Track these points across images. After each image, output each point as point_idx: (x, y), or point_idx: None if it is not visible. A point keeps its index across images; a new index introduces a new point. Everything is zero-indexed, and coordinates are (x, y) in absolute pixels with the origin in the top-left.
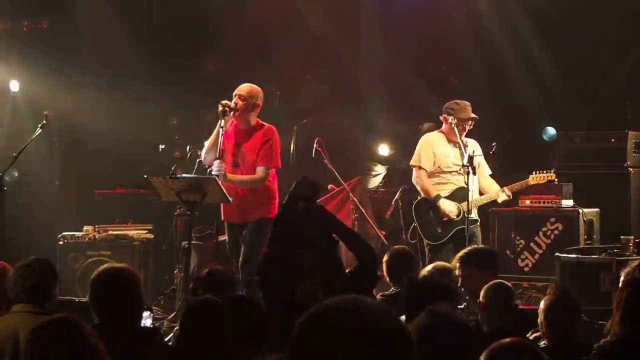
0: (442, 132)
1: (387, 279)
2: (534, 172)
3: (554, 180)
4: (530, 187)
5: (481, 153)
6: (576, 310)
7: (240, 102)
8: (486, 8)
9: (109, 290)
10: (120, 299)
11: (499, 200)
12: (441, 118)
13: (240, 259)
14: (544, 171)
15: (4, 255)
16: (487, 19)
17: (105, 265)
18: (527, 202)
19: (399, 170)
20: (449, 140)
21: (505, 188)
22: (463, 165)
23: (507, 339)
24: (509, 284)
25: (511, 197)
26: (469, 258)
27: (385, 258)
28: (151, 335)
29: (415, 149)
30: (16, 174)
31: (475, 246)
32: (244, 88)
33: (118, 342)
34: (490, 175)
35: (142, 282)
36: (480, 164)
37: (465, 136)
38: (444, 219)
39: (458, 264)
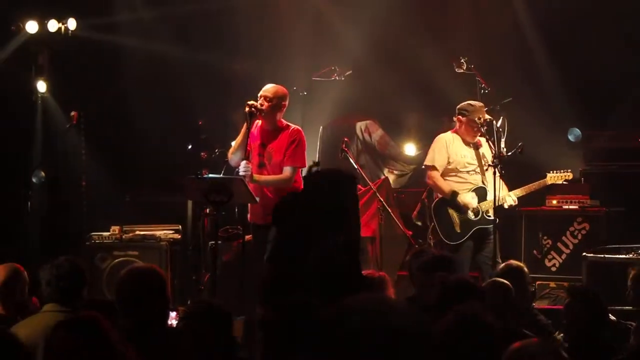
0: (457, 133)
1: (411, 281)
2: (551, 172)
3: (571, 179)
4: (548, 186)
5: (492, 153)
6: (599, 310)
7: (265, 103)
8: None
9: (135, 290)
10: (147, 299)
11: (505, 205)
12: (454, 119)
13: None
14: (561, 170)
15: (31, 255)
16: (519, 18)
17: (133, 265)
18: (554, 202)
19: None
20: (463, 141)
21: (512, 192)
22: (489, 165)
23: (527, 340)
24: (507, 282)
25: (516, 202)
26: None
27: (409, 260)
28: (179, 335)
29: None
30: (43, 174)
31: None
32: (269, 89)
33: (145, 342)
34: (501, 177)
35: (168, 282)
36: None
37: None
38: (467, 212)
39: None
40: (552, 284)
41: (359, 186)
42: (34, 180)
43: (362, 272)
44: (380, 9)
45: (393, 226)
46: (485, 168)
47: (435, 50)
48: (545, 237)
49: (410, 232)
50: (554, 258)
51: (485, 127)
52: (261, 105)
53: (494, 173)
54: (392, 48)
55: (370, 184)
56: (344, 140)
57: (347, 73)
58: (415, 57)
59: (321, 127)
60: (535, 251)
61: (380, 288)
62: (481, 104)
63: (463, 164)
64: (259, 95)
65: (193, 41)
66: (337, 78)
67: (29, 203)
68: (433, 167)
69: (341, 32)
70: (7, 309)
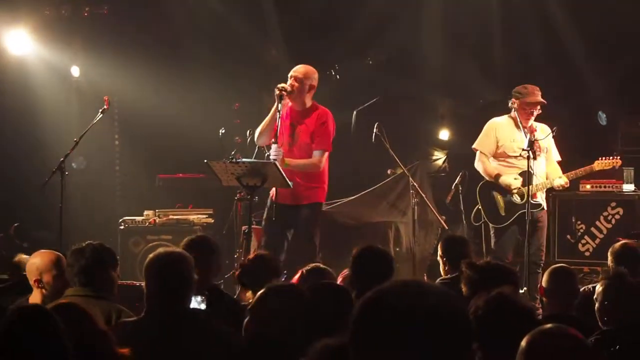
0: (510, 117)
1: (442, 266)
2: (599, 158)
3: (619, 166)
4: (595, 173)
5: (550, 137)
6: (634, 293)
7: (295, 84)
8: None
9: (167, 272)
10: (174, 283)
11: (555, 186)
12: (510, 102)
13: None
14: (610, 157)
15: (66, 240)
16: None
17: (159, 250)
18: (588, 186)
19: (459, 155)
20: (517, 125)
21: (563, 175)
22: (523, 150)
23: (549, 324)
24: (571, 268)
25: (568, 184)
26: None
27: (440, 245)
28: (205, 319)
29: (478, 132)
30: (83, 160)
31: None
32: (299, 69)
33: (171, 326)
34: (559, 162)
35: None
36: (549, 149)
37: (535, 120)
38: (510, 195)
39: None
40: (586, 269)
41: (392, 170)
42: (73, 165)
43: None
44: None
45: (426, 211)
46: (538, 153)
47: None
48: (578, 222)
49: (444, 217)
50: (587, 243)
51: (539, 111)
52: (291, 86)
53: (528, 159)
54: (428, 32)
55: (404, 168)
56: (377, 124)
57: (381, 57)
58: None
59: (355, 111)
60: (568, 236)
61: None
62: (536, 87)
63: (513, 149)
64: (289, 75)
65: (228, 24)
66: (371, 62)
67: (66, 188)
68: (480, 151)
69: (381, 14)
70: (46, 301)
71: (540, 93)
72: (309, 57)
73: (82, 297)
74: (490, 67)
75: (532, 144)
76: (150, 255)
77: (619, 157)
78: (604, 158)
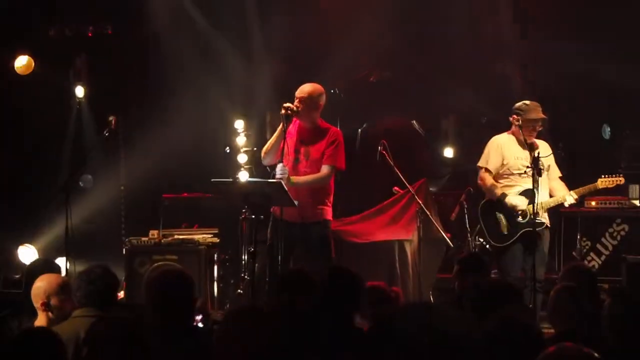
0: (512, 134)
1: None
2: (602, 176)
3: (622, 184)
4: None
5: (550, 154)
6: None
7: (301, 105)
8: None
9: (166, 291)
10: (176, 300)
11: (566, 204)
12: (510, 119)
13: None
14: (613, 175)
15: (71, 259)
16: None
17: (158, 267)
18: (593, 203)
19: (464, 172)
20: (519, 142)
21: (572, 192)
22: (527, 167)
23: (561, 344)
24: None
25: (578, 200)
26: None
27: (456, 267)
28: (205, 337)
29: (482, 149)
30: (90, 178)
31: None
32: (305, 89)
33: (171, 342)
34: (560, 178)
35: (206, 285)
36: (550, 166)
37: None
38: (515, 214)
39: None
40: None
41: (396, 188)
42: (81, 184)
43: (373, 284)
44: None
45: (431, 229)
46: (543, 170)
47: (474, 52)
48: (584, 239)
49: (449, 235)
50: (593, 259)
51: (541, 127)
52: (296, 106)
53: (533, 177)
54: (430, 49)
55: (409, 186)
56: (382, 143)
57: (385, 75)
58: (453, 58)
59: (359, 129)
60: (574, 252)
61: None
62: (537, 103)
63: (517, 166)
64: (295, 96)
65: (231, 39)
66: (374, 80)
67: (71, 208)
68: (485, 169)
69: (379, 33)
70: (52, 324)
71: (541, 109)
72: (313, 73)
73: (90, 317)
74: (490, 83)
75: (536, 160)
76: (151, 272)
77: (622, 175)
78: (606, 176)
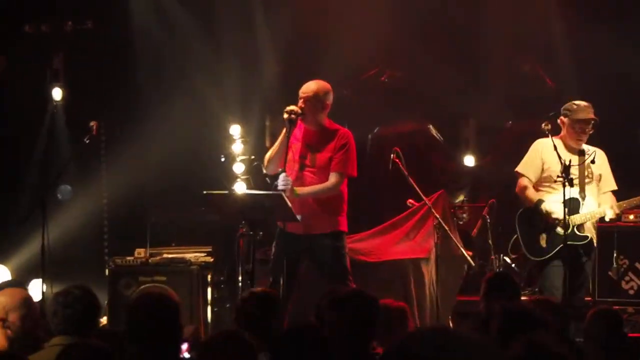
0: (561, 138)
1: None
2: None
3: None
4: None
5: (604, 163)
6: None
7: (306, 105)
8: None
9: (147, 316)
10: (157, 327)
11: (606, 218)
12: (559, 121)
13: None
14: None
15: (47, 281)
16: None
17: (144, 290)
18: (631, 216)
19: (487, 183)
20: (567, 146)
21: (613, 204)
22: (558, 176)
23: None
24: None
25: (620, 215)
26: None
27: (482, 287)
28: None
29: (507, 157)
30: (69, 189)
31: None
32: (310, 87)
33: None
34: (614, 192)
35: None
36: (602, 176)
37: (587, 143)
38: (550, 223)
39: None
40: (630, 309)
41: (411, 201)
42: (59, 196)
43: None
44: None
45: (450, 246)
46: (589, 179)
47: (496, 50)
48: (621, 257)
49: (470, 253)
50: (631, 280)
51: (592, 130)
52: (300, 107)
53: (564, 186)
54: (449, 47)
55: (425, 198)
56: (395, 150)
57: (398, 74)
58: (473, 56)
59: (369, 135)
60: (610, 272)
61: (397, 322)
62: (587, 103)
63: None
64: (299, 95)
65: (225, 39)
66: (385, 80)
67: (48, 223)
68: (522, 175)
69: (391, 27)
70: (12, 343)
71: (592, 110)
72: (318, 73)
73: None
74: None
75: (567, 169)
76: (134, 296)
77: None
78: None
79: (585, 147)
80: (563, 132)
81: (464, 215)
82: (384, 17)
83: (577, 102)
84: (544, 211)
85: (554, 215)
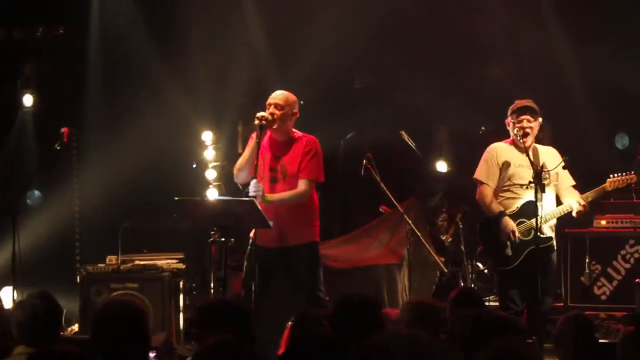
0: (511, 142)
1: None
2: (611, 176)
3: (634, 183)
4: (608, 194)
5: (559, 161)
6: None
7: (277, 112)
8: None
9: (113, 325)
10: (126, 336)
11: (574, 213)
12: (505, 123)
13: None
14: (623, 173)
15: (18, 288)
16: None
17: (110, 297)
18: (603, 222)
19: (459, 189)
20: (519, 149)
21: (578, 198)
22: (530, 182)
23: None
24: (586, 315)
25: (587, 207)
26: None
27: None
28: None
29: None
30: (39, 195)
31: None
32: (279, 96)
33: None
34: (574, 186)
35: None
36: (560, 175)
37: (542, 144)
38: (509, 239)
39: None
40: (602, 315)
41: (384, 207)
42: (28, 202)
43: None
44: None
45: (423, 252)
46: (547, 180)
47: (467, 58)
48: (593, 262)
49: (443, 259)
50: (603, 285)
51: (532, 121)
52: (272, 114)
53: (535, 192)
54: (421, 54)
55: (397, 204)
56: (368, 156)
57: (370, 80)
58: (446, 64)
59: (342, 141)
60: (582, 278)
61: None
62: (528, 99)
63: (521, 175)
64: (267, 103)
65: (196, 45)
66: (360, 85)
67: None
68: (482, 182)
69: (362, 34)
70: None
71: (527, 101)
72: (289, 78)
73: None
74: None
75: (540, 175)
76: (99, 304)
77: (633, 172)
78: (615, 175)
79: (539, 147)
80: (511, 135)
81: (440, 221)
82: (355, 22)
83: (518, 101)
84: (503, 226)
85: (508, 230)
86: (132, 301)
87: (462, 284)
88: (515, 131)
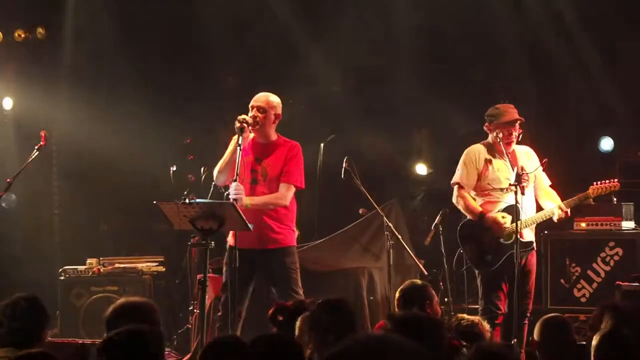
0: (489, 143)
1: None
2: (594, 183)
3: (617, 191)
4: (590, 200)
5: (536, 163)
6: (633, 346)
7: (259, 115)
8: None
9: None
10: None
11: (555, 219)
12: (485, 128)
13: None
14: (606, 181)
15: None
16: (540, 25)
17: (122, 300)
18: (583, 224)
19: (439, 192)
20: (498, 152)
21: (561, 204)
22: (510, 185)
23: None
24: (565, 317)
25: (569, 214)
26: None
27: (397, 295)
28: None
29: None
30: (14, 198)
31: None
32: (261, 98)
33: None
34: (551, 187)
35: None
36: (537, 176)
37: (519, 143)
38: (498, 236)
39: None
40: (582, 317)
41: (364, 210)
42: (3, 205)
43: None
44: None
45: (403, 254)
46: (526, 185)
47: (446, 60)
48: (573, 265)
49: (423, 261)
50: (583, 287)
51: (520, 130)
52: (254, 117)
53: (516, 195)
54: (400, 56)
55: (377, 207)
56: (347, 159)
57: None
58: (424, 66)
59: (322, 144)
60: (562, 280)
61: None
62: (510, 105)
63: (498, 180)
64: (250, 105)
65: (177, 51)
66: (338, 89)
67: None
68: (460, 186)
69: (342, 38)
70: None
71: (515, 111)
72: (270, 84)
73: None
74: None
75: (519, 177)
76: (113, 305)
77: (615, 180)
78: (599, 182)
79: (515, 147)
80: (490, 139)
81: (420, 224)
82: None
83: (498, 105)
84: (490, 222)
85: (505, 226)
86: (146, 301)
87: (442, 287)
88: (499, 138)
